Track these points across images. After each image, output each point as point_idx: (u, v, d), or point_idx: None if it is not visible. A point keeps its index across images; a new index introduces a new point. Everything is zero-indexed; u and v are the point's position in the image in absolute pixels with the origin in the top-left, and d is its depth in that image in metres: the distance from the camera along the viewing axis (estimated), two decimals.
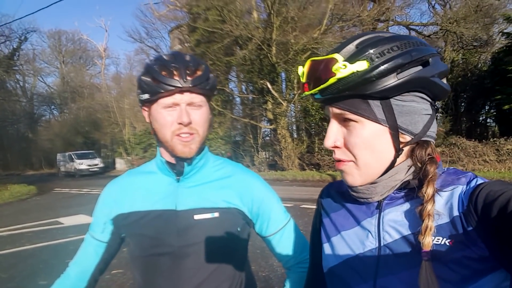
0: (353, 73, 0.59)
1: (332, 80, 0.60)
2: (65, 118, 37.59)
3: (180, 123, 0.94)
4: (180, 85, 0.92)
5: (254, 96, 18.15)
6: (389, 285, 0.62)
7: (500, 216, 0.51)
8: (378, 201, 0.68)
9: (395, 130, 0.62)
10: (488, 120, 17.47)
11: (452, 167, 0.68)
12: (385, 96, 0.61)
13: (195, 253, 0.96)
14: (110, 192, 1.08)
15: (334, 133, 0.66)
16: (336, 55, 0.61)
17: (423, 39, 0.66)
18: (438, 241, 0.58)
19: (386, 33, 0.64)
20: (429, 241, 0.56)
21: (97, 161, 24.54)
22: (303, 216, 6.48)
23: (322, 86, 0.62)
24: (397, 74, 0.59)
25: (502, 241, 0.51)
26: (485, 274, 0.55)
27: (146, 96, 0.95)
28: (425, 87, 0.63)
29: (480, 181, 0.61)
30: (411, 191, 0.65)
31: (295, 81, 16.13)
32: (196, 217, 0.97)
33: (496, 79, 13.50)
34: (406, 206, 0.65)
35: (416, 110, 0.63)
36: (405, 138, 0.64)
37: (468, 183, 0.61)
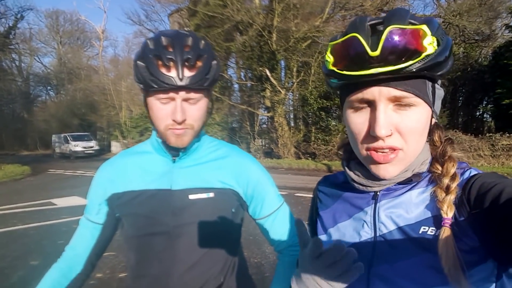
0: (436, 50, 0.53)
1: (423, 56, 0.52)
2: (62, 99, 37.29)
3: (173, 120, 0.91)
4: (174, 84, 0.87)
5: (252, 83, 18.02)
6: (383, 273, 0.62)
7: (492, 207, 0.51)
8: (374, 192, 0.67)
9: (434, 114, 0.62)
10: (485, 115, 17.51)
11: None
12: (436, 79, 0.59)
13: (189, 233, 0.96)
14: (104, 173, 1.06)
15: (388, 119, 0.57)
16: (424, 27, 0.52)
17: None
18: (432, 232, 0.58)
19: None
20: (452, 212, 0.56)
21: (93, 143, 24.43)
22: (297, 205, 6.52)
23: (413, 61, 0.52)
24: (451, 56, 0.57)
25: (493, 232, 0.51)
26: (475, 264, 0.55)
27: (141, 85, 0.91)
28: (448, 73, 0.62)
29: (473, 172, 0.61)
30: (407, 183, 0.65)
31: (295, 69, 16.03)
32: (191, 197, 0.96)
33: (496, 74, 13.46)
34: (402, 197, 0.64)
35: (442, 94, 0.64)
36: (432, 121, 0.63)
37: (462, 174, 0.61)
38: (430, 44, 0.52)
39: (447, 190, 0.58)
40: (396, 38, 0.52)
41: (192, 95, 0.91)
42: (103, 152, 25.33)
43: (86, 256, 1.05)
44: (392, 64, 0.52)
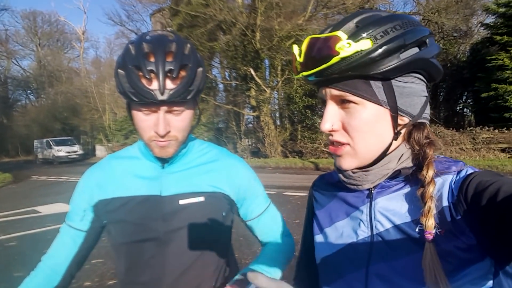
0: (357, 52, 0.56)
1: (335, 59, 0.57)
2: (42, 103, 36.42)
3: (156, 132, 0.88)
4: (155, 100, 0.82)
5: (237, 82, 17.99)
6: (381, 272, 0.62)
7: (489, 206, 0.51)
8: (369, 190, 0.67)
9: (395, 112, 0.61)
10: (465, 109, 17.98)
11: (442, 155, 0.67)
12: (387, 77, 0.59)
13: (180, 238, 0.95)
14: (91, 177, 1.02)
15: (331, 116, 0.63)
16: (339, 33, 0.57)
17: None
18: None
19: (383, 12, 0.62)
20: (432, 222, 0.56)
21: (76, 147, 23.99)
22: (286, 203, 6.54)
23: (324, 66, 0.58)
24: (400, 54, 0.58)
25: (490, 230, 0.52)
26: (472, 263, 0.56)
27: (122, 95, 0.87)
28: (424, 68, 0.62)
29: (470, 170, 0.61)
30: (402, 180, 0.65)
31: (279, 68, 16.08)
32: (182, 202, 0.95)
33: (474, 70, 13.85)
34: (397, 195, 0.65)
35: (415, 91, 0.62)
36: (403, 120, 0.63)
37: (459, 172, 0.61)
38: (341, 48, 0.56)
39: (422, 199, 0.58)
40: (312, 46, 0.60)
41: (175, 107, 0.88)
42: (87, 157, 24.85)
43: (66, 266, 1.00)
44: (311, 68, 0.60)
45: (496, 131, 11.37)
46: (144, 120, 0.88)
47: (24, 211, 7.36)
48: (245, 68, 15.98)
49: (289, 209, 6.06)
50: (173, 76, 0.84)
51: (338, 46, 0.56)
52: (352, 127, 0.61)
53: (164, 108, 0.86)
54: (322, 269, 0.74)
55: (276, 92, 17.37)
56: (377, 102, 0.60)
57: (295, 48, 0.64)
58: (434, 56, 0.62)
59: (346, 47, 0.56)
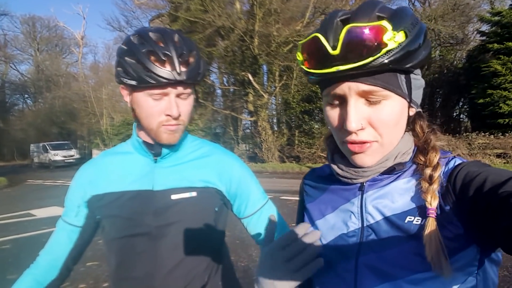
0: (399, 44, 0.53)
1: (383, 51, 0.53)
2: (40, 107, 36.28)
3: (168, 115, 0.91)
4: (173, 79, 0.87)
5: (235, 88, 18.06)
6: (370, 263, 0.63)
7: (476, 196, 0.53)
8: (361, 183, 0.68)
9: (410, 105, 0.63)
10: (461, 115, 18.10)
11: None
12: (410, 70, 0.59)
13: (172, 233, 0.95)
14: (84, 174, 1.04)
15: (359, 114, 0.58)
16: (384, 23, 0.53)
17: None
18: (418, 222, 0.59)
19: (386, 4, 0.62)
20: (436, 202, 0.58)
21: (73, 152, 23.92)
22: (283, 207, 6.53)
23: (371, 58, 0.53)
24: (424, 47, 0.58)
25: (477, 219, 0.53)
26: (460, 250, 0.56)
27: (132, 82, 0.88)
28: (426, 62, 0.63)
29: (458, 161, 0.62)
30: (393, 174, 0.66)
31: (277, 73, 16.16)
32: (174, 197, 0.96)
33: (470, 76, 13.96)
34: (388, 188, 0.66)
35: (422, 84, 0.65)
36: (412, 111, 0.65)
37: (447, 163, 0.63)
38: (390, 40, 0.52)
39: (430, 180, 0.60)
40: (354, 36, 0.53)
41: (186, 90, 0.93)
42: (84, 161, 23.76)
43: (63, 261, 1.02)
44: (352, 61, 0.54)
45: (492, 136, 11.43)
46: (154, 105, 0.91)
47: (19, 215, 7.31)
48: (243, 73, 16.04)
49: (285, 213, 6.01)
50: (185, 59, 0.89)
51: (387, 37, 0.52)
52: (381, 122, 0.59)
53: (176, 91, 0.91)
54: None
55: (274, 98, 17.42)
56: (403, 95, 0.60)
57: (322, 38, 0.56)
58: None
59: (396, 38, 0.53)
